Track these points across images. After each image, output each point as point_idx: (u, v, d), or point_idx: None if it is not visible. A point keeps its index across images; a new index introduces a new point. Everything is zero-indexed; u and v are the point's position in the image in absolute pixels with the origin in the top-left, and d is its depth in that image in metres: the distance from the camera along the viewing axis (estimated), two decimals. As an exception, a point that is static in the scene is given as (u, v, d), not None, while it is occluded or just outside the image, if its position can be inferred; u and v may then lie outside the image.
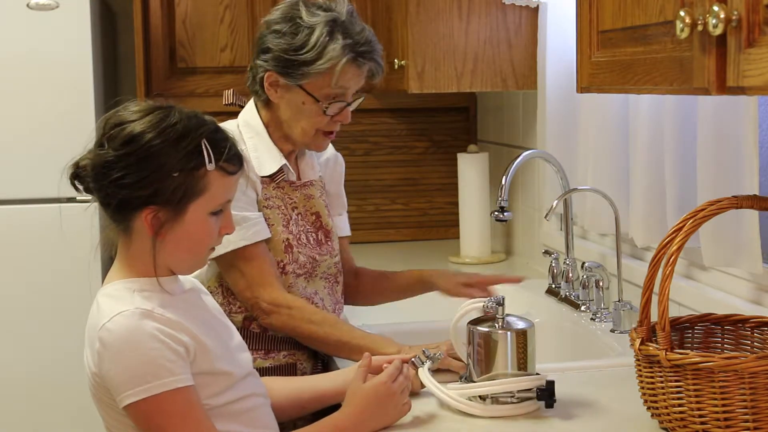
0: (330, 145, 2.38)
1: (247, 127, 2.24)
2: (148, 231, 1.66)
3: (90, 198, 1.72)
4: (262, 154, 2.22)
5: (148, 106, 1.69)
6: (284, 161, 2.24)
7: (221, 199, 1.69)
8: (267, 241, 2.19)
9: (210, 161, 1.66)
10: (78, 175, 1.69)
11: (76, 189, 1.71)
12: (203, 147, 1.65)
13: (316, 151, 2.29)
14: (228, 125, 2.20)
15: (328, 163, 2.40)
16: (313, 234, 2.28)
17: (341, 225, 2.42)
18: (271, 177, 2.23)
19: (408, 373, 1.85)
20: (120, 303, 1.63)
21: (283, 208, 2.24)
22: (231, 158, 1.70)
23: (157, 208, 1.64)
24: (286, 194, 2.26)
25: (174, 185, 1.64)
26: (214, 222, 1.70)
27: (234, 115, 2.29)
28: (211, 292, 2.21)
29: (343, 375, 1.94)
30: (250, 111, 2.27)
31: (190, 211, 1.66)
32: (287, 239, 2.23)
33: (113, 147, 1.64)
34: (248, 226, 2.13)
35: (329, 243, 2.31)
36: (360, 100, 2.26)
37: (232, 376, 1.71)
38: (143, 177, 1.63)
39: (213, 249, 1.75)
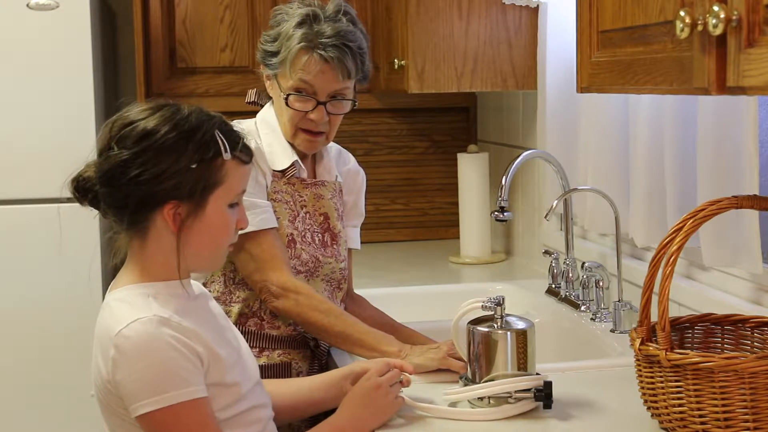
0: (353, 158, 2.45)
1: (263, 124, 2.28)
2: (171, 227, 1.64)
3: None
4: (275, 149, 2.25)
5: (154, 104, 1.69)
6: (296, 158, 2.26)
7: (238, 189, 1.70)
8: None
9: (226, 150, 1.66)
10: (82, 187, 1.68)
11: (80, 201, 1.69)
12: (218, 137, 1.66)
13: (305, 152, 2.28)
14: (246, 123, 2.23)
15: (349, 173, 2.42)
16: (319, 234, 2.29)
17: (352, 236, 2.42)
18: (283, 172, 2.26)
19: (396, 372, 1.85)
20: (136, 309, 1.61)
21: (291, 203, 2.25)
22: (244, 148, 1.71)
23: (178, 203, 1.64)
24: (296, 191, 2.27)
25: (193, 177, 1.63)
26: (232, 215, 1.70)
27: (254, 115, 2.33)
28: (212, 282, 2.22)
29: (338, 377, 1.94)
30: (268, 109, 2.32)
31: (210, 203, 1.66)
32: (291, 234, 2.24)
33: (126, 146, 1.63)
34: (257, 212, 2.14)
35: (335, 246, 2.31)
36: (345, 104, 2.24)
37: (242, 387, 1.70)
38: (162, 171, 1.62)
39: (230, 246, 1.74)
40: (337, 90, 2.21)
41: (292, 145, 2.26)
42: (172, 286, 1.68)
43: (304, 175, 2.28)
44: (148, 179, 1.62)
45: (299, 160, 2.26)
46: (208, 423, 1.60)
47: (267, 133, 2.26)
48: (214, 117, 1.69)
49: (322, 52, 2.16)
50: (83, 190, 1.68)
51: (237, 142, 1.69)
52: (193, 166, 1.63)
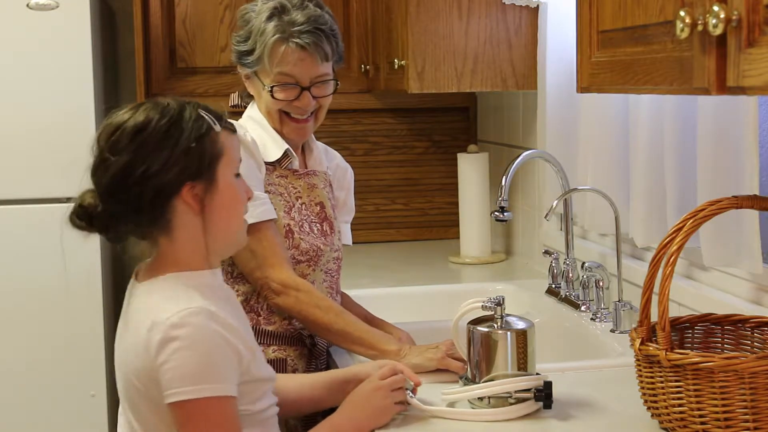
0: (339, 155, 2.48)
1: (250, 121, 2.30)
2: (194, 208, 1.65)
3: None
4: (266, 142, 2.27)
5: (132, 105, 1.70)
6: (287, 146, 2.28)
7: (236, 157, 1.72)
8: None
9: (215, 123, 1.68)
10: (87, 215, 1.66)
11: (87, 230, 1.68)
12: (203, 114, 1.68)
13: (296, 141, 2.31)
14: (234, 124, 2.24)
15: (338, 169, 2.45)
16: (318, 224, 2.31)
17: (344, 231, 2.45)
18: (275, 165, 2.28)
19: (401, 376, 1.85)
20: (181, 300, 1.61)
21: (286, 195, 2.27)
22: (226, 118, 1.73)
23: (193, 184, 1.65)
24: (290, 183, 2.29)
25: (197, 155, 1.65)
26: (239, 185, 1.72)
27: (239, 116, 2.33)
28: None
29: (340, 378, 1.94)
30: (252, 107, 2.34)
31: (219, 176, 1.67)
32: (288, 225, 2.26)
33: (122, 149, 1.63)
34: (257, 204, 2.15)
35: (332, 235, 2.33)
36: (329, 85, 2.27)
37: (268, 383, 1.73)
38: (167, 159, 1.63)
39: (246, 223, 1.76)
40: (317, 75, 2.25)
41: (282, 136, 2.29)
42: (206, 275, 1.69)
43: (296, 165, 2.31)
44: (157, 170, 1.62)
45: (290, 149, 2.29)
46: (231, 423, 1.61)
47: (255, 129, 2.28)
48: (190, 100, 1.71)
49: (298, 40, 2.20)
50: (88, 217, 1.67)
51: (219, 114, 1.72)
52: (193, 145, 1.64)
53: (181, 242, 1.68)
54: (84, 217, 1.67)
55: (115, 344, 1.74)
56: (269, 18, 2.22)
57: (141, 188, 1.63)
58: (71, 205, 1.68)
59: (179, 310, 1.59)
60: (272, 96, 2.24)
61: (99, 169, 1.65)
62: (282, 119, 2.27)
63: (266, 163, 2.26)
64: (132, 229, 1.68)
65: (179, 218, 1.66)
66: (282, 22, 2.21)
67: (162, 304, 1.62)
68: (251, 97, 2.34)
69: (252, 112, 2.33)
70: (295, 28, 2.20)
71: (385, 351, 2.08)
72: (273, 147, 2.27)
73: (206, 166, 1.66)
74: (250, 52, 2.25)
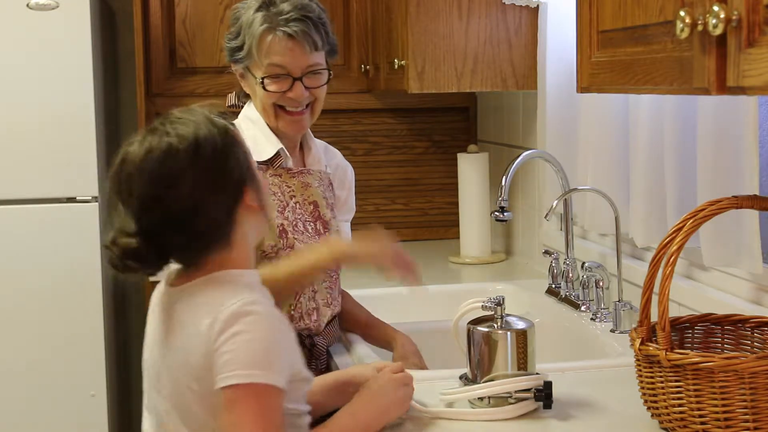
0: (339, 153, 2.48)
1: (246, 120, 2.31)
2: (257, 209, 1.64)
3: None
4: (259, 140, 2.27)
5: (145, 133, 1.63)
6: (281, 145, 2.28)
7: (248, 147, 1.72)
8: None
9: (229, 123, 1.67)
10: (140, 254, 1.58)
11: (140, 271, 1.60)
12: (220, 117, 1.65)
13: (291, 135, 2.31)
14: None
15: (339, 168, 2.45)
16: (312, 223, 2.31)
17: (345, 230, 2.44)
18: (268, 164, 2.27)
19: (409, 376, 1.85)
20: (239, 294, 1.59)
21: (279, 195, 2.27)
22: (227, 114, 1.72)
23: (247, 187, 1.63)
24: (284, 182, 2.29)
25: (243, 159, 1.64)
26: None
27: (236, 116, 2.33)
28: None
29: (341, 381, 1.94)
30: (248, 106, 2.35)
31: (255, 170, 1.67)
32: (282, 224, 2.25)
33: (180, 175, 1.57)
34: None
35: (326, 235, 2.33)
36: (321, 75, 2.27)
37: (308, 383, 1.72)
38: (230, 167, 1.60)
39: None
40: (309, 65, 2.25)
41: (278, 134, 2.28)
42: (254, 275, 1.68)
43: (290, 164, 2.31)
44: (225, 187, 1.60)
45: (285, 149, 2.28)
46: (276, 414, 1.58)
47: (249, 128, 2.28)
48: (192, 106, 1.67)
49: (285, 29, 2.21)
50: (141, 259, 1.59)
51: (224, 113, 1.69)
52: (237, 150, 1.63)
53: (239, 247, 1.65)
54: (137, 259, 1.58)
55: (150, 355, 1.69)
56: (257, 10, 2.23)
57: (210, 211, 1.59)
58: (110, 254, 1.59)
59: (240, 299, 1.57)
60: (264, 88, 2.24)
61: (152, 208, 1.57)
62: (277, 113, 2.27)
63: (260, 163, 2.24)
64: (189, 255, 1.64)
65: (239, 225, 1.63)
66: (269, 13, 2.22)
67: (220, 298, 1.58)
68: (248, 96, 2.34)
69: (248, 111, 2.33)
70: (282, 17, 2.21)
71: (322, 259, 2.10)
72: (267, 146, 2.27)
73: (248, 165, 1.64)
74: (241, 47, 2.26)
